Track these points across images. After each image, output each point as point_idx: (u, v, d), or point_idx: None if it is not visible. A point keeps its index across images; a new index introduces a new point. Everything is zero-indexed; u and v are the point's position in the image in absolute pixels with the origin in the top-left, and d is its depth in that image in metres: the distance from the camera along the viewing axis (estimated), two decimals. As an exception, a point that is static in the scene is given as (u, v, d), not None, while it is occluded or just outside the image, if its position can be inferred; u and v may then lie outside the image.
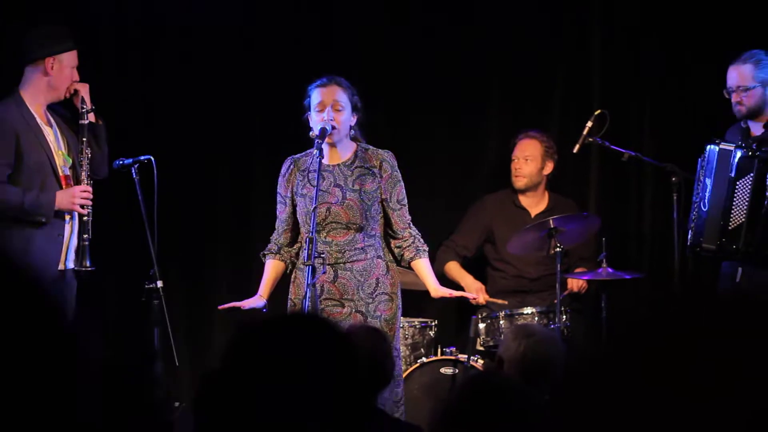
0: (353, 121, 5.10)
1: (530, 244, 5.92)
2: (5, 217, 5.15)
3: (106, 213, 5.62)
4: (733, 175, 5.41)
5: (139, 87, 6.73)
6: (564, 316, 5.85)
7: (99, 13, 6.51)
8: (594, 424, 1.17)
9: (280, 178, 5.19)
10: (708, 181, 5.49)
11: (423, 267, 5.12)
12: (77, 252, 5.32)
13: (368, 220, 5.04)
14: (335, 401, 1.91)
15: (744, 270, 5.38)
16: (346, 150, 5.12)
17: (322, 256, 4.96)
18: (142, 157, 5.42)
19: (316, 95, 5.06)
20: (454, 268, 6.44)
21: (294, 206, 5.14)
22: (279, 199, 5.20)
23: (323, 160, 4.99)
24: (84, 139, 5.35)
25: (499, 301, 6.20)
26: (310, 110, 5.08)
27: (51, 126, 5.33)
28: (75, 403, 1.24)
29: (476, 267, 6.54)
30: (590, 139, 5.98)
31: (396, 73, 6.73)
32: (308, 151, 5.15)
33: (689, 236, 5.56)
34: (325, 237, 5.03)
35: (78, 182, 5.32)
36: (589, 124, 5.97)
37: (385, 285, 5.05)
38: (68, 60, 5.33)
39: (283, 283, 5.22)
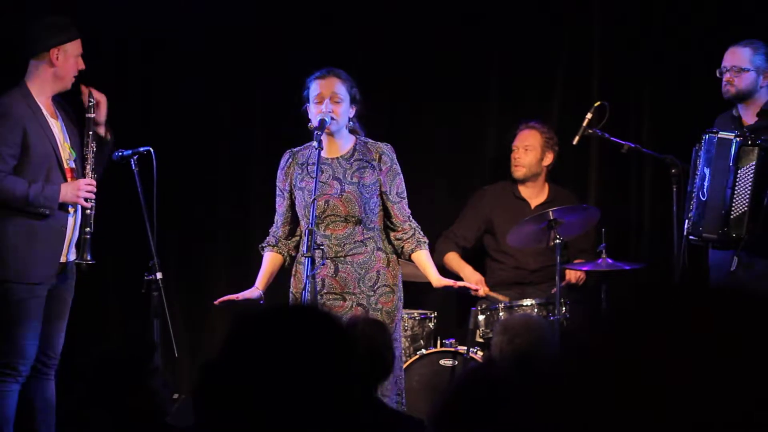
0: (352, 112, 5.11)
1: (530, 235, 5.92)
2: (10, 208, 5.15)
3: (105, 204, 5.62)
4: (733, 164, 5.40)
5: (139, 77, 6.74)
6: (563, 308, 5.85)
7: (100, 7, 6.50)
8: (579, 414, 1.18)
9: (278, 171, 5.19)
10: (707, 171, 5.47)
11: (423, 258, 5.12)
12: (78, 245, 5.32)
13: (367, 213, 5.05)
14: (334, 392, 1.91)
15: (740, 259, 5.37)
16: (345, 143, 5.12)
17: (321, 247, 4.96)
18: (142, 149, 5.41)
19: (314, 87, 5.06)
20: (453, 259, 6.44)
21: (292, 199, 5.15)
22: (278, 192, 5.20)
23: (322, 153, 4.99)
24: (90, 132, 5.34)
25: (500, 297, 6.19)
26: (308, 102, 5.08)
27: (57, 118, 5.33)
28: None
29: (476, 258, 6.55)
30: (590, 131, 5.98)
31: (396, 65, 6.73)
32: (307, 144, 5.15)
33: (686, 225, 5.55)
34: (324, 230, 5.03)
35: (82, 175, 5.32)
36: (589, 115, 5.97)
37: (385, 277, 5.05)
38: (72, 49, 5.32)
39: (284, 277, 5.23)
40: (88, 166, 5.31)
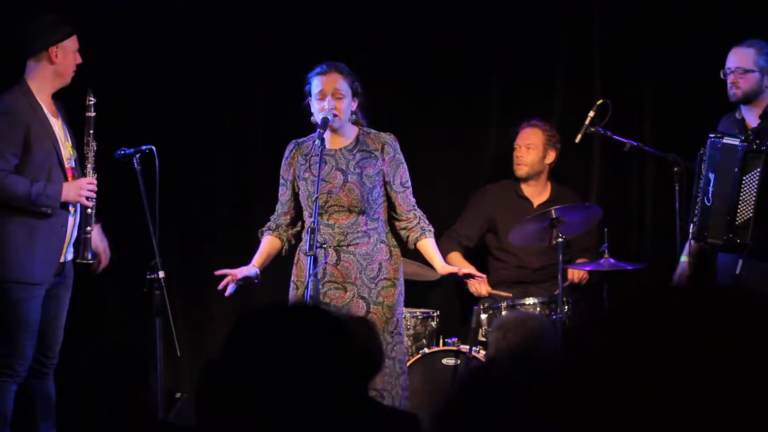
0: (354, 106, 5.12)
1: (532, 234, 5.91)
2: (11, 207, 5.14)
3: (107, 203, 5.61)
4: (738, 170, 5.37)
5: (139, 77, 6.74)
6: (566, 307, 5.84)
7: (100, 7, 6.50)
8: (577, 411, 1.17)
9: (283, 161, 5.23)
10: (711, 176, 5.45)
11: (429, 246, 5.14)
12: (78, 244, 5.31)
13: (370, 204, 5.06)
14: (334, 390, 1.91)
15: (745, 262, 5.36)
16: (348, 134, 5.14)
17: (323, 246, 4.97)
18: (144, 147, 5.41)
19: (316, 83, 5.07)
20: (456, 259, 6.43)
21: (294, 189, 5.16)
22: (281, 181, 5.24)
23: (325, 144, 5.00)
24: (91, 131, 5.34)
25: (503, 294, 6.19)
26: (310, 96, 5.09)
27: (58, 117, 5.32)
28: None
29: (478, 257, 6.54)
30: (592, 129, 5.97)
31: (397, 62, 6.73)
32: (312, 135, 5.17)
33: (692, 230, 5.53)
34: (327, 219, 5.05)
35: (82, 175, 5.31)
36: (591, 114, 5.96)
37: (387, 270, 5.05)
38: (70, 45, 5.32)
39: (285, 266, 5.23)
40: (89, 165, 5.31)
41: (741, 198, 5.37)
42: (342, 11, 6.73)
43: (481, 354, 5.84)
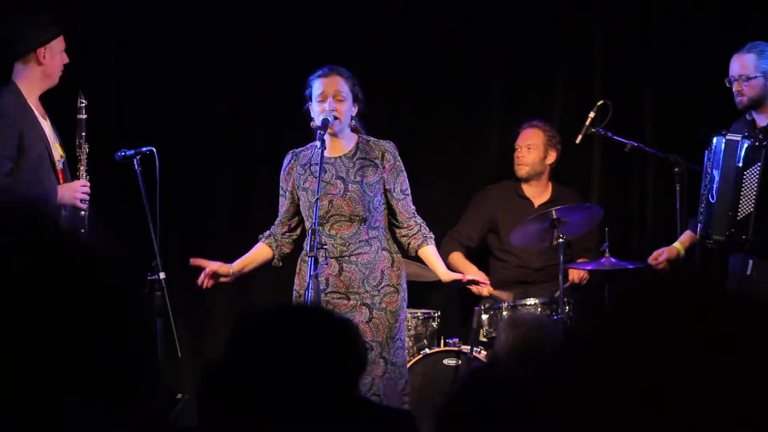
0: (354, 111, 5.11)
1: (533, 235, 5.91)
2: None
3: (108, 204, 5.61)
4: (740, 165, 5.38)
5: (139, 77, 6.73)
6: (567, 307, 5.84)
7: (100, 7, 6.49)
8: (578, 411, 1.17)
9: (281, 172, 5.21)
10: (715, 173, 5.46)
11: (430, 253, 5.13)
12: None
13: (371, 212, 5.04)
14: (334, 391, 1.90)
15: (755, 262, 5.36)
16: (348, 142, 5.12)
17: (324, 247, 4.96)
18: (144, 149, 5.40)
19: (317, 86, 5.05)
20: (458, 259, 6.43)
21: (294, 200, 5.15)
22: (280, 192, 5.22)
23: (325, 153, 4.98)
24: (83, 133, 5.32)
25: (504, 295, 6.19)
26: (311, 101, 5.08)
27: (46, 118, 5.30)
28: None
29: (479, 257, 6.54)
30: (593, 130, 5.98)
31: (397, 62, 6.72)
32: (309, 144, 5.16)
33: (699, 229, 5.53)
34: (329, 230, 5.02)
35: (73, 176, 5.29)
36: (592, 114, 5.97)
37: (390, 277, 5.04)
38: (57, 45, 5.30)
39: (288, 276, 5.22)
40: (82, 168, 5.28)
41: (742, 193, 5.38)
42: (342, 11, 6.72)
43: (482, 354, 5.83)
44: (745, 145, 5.37)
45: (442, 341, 6.06)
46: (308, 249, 4.84)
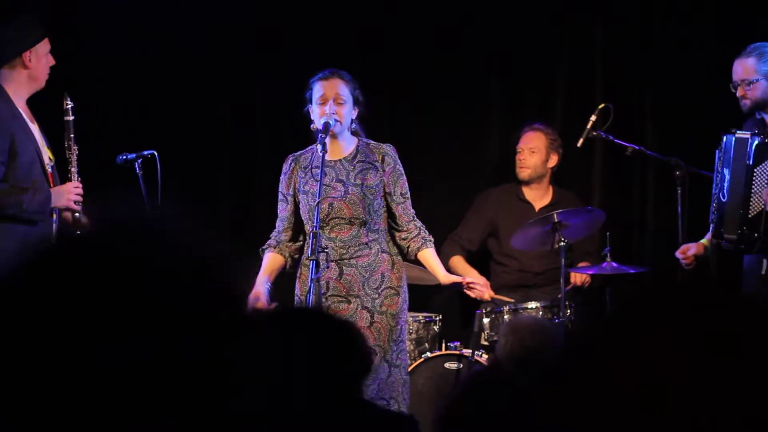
0: (354, 114, 5.10)
1: (534, 238, 5.91)
2: (1, 217, 5.07)
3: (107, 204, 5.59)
4: (750, 163, 5.39)
5: (138, 77, 6.72)
6: (568, 311, 5.83)
7: (100, 7, 6.48)
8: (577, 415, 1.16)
9: (282, 176, 5.19)
10: (726, 172, 5.47)
11: (430, 257, 5.13)
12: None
13: (371, 215, 5.04)
14: (335, 392, 1.90)
15: None
16: (348, 145, 5.11)
17: (325, 250, 4.95)
18: (146, 152, 5.39)
19: (318, 88, 5.05)
20: (458, 263, 6.42)
21: (295, 204, 5.14)
22: (280, 197, 5.19)
23: (325, 156, 4.98)
24: (72, 135, 5.29)
25: (505, 299, 6.18)
26: (311, 103, 5.07)
27: (34, 122, 5.27)
28: None
29: (480, 261, 6.53)
30: (594, 133, 5.97)
31: (397, 62, 6.72)
32: (309, 148, 5.15)
33: (711, 228, 5.53)
34: (329, 233, 5.02)
35: (62, 179, 5.26)
36: (593, 118, 5.96)
37: (390, 279, 5.04)
38: (43, 48, 5.27)
39: (289, 280, 5.21)
40: (73, 170, 5.25)
41: (753, 190, 5.39)
42: (342, 11, 6.71)
43: (484, 358, 5.83)
44: (755, 143, 5.38)
45: (443, 344, 6.05)
46: (309, 252, 4.84)
